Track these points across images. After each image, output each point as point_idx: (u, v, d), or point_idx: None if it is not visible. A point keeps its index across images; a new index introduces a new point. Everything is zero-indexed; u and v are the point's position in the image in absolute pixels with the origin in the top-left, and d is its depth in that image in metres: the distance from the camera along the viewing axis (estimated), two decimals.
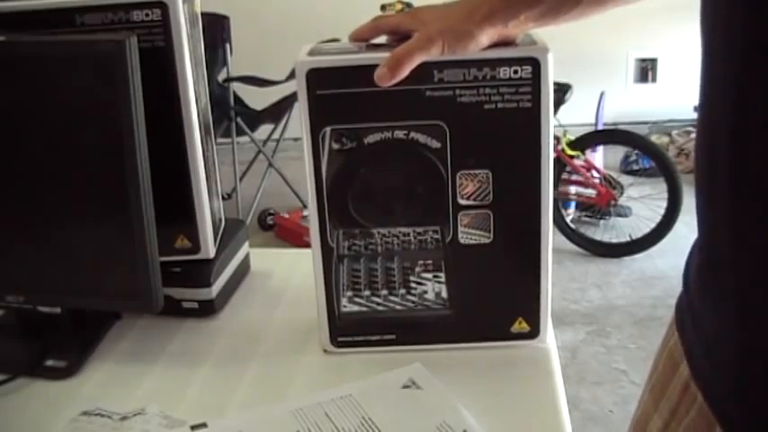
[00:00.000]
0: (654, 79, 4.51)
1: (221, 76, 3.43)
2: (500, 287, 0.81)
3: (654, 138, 3.97)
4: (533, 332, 0.83)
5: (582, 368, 2.44)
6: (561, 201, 3.29)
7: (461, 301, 0.82)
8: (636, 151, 3.69)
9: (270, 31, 4.11)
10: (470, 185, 0.77)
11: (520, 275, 0.81)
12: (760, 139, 0.47)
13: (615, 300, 2.87)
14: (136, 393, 0.80)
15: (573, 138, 3.22)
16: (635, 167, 3.86)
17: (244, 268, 1.04)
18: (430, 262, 0.80)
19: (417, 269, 0.81)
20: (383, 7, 3.37)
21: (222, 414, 0.76)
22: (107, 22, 0.83)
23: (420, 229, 0.79)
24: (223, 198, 1.09)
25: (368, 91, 0.73)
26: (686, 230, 3.06)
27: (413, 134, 0.75)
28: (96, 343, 0.88)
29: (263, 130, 3.61)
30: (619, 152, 3.92)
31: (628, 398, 2.25)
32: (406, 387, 0.77)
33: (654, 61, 4.48)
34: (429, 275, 0.81)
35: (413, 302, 0.82)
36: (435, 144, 0.75)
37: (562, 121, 3.01)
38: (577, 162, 3.25)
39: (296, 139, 3.73)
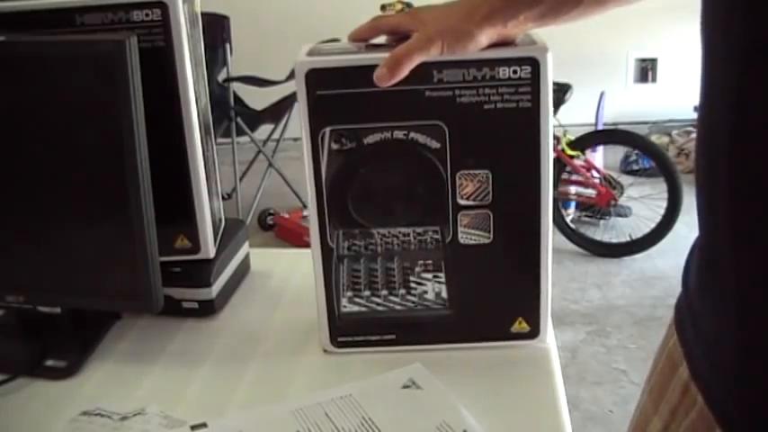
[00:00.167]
0: (654, 79, 4.51)
1: (221, 76, 3.43)
2: (500, 287, 0.81)
3: (654, 138, 3.97)
4: (533, 332, 0.83)
5: (582, 368, 2.44)
6: (561, 201, 3.29)
7: (461, 302, 0.82)
8: (636, 151, 3.69)
9: (270, 31, 4.11)
10: (470, 186, 0.77)
11: (520, 275, 0.81)
12: (760, 138, 0.47)
13: (615, 300, 2.87)
14: (136, 393, 0.80)
15: (573, 138, 3.22)
16: (635, 167, 3.86)
17: (244, 268, 1.04)
18: (430, 262, 0.80)
19: (417, 269, 0.81)
20: (383, 7, 3.37)
21: (222, 414, 0.76)
22: (107, 22, 0.83)
23: (420, 230, 0.79)
24: (223, 198, 1.09)
25: (367, 91, 0.73)
26: (686, 230, 3.06)
27: (412, 134, 0.75)
28: (96, 343, 0.88)
29: (263, 130, 3.61)
30: (619, 152, 3.92)
31: (628, 398, 2.25)
32: (406, 387, 0.77)
33: (654, 61, 4.48)
34: (429, 275, 0.81)
35: (413, 302, 0.82)
36: (435, 144, 0.75)
37: (562, 121, 3.01)
38: (577, 162, 3.25)
39: (296, 139, 3.73)
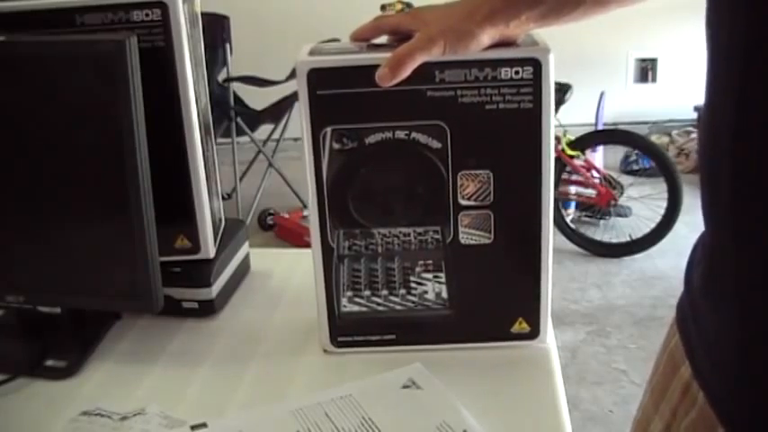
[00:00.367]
0: (654, 79, 4.51)
1: (221, 76, 3.43)
2: (500, 287, 0.81)
3: (654, 138, 3.97)
4: (533, 332, 0.83)
5: (582, 368, 2.44)
6: (561, 201, 3.29)
7: (461, 302, 0.81)
8: (636, 151, 3.69)
9: (270, 31, 4.11)
10: (471, 186, 0.77)
11: (520, 276, 0.81)
12: (761, 138, 0.47)
13: (615, 300, 2.87)
14: (136, 393, 0.80)
15: (573, 138, 3.22)
16: (635, 167, 3.86)
17: (244, 268, 1.04)
18: (430, 262, 0.80)
19: (418, 269, 0.81)
20: (383, 7, 3.37)
21: (222, 414, 0.76)
22: (107, 22, 0.83)
23: (420, 230, 0.79)
24: (223, 198, 1.09)
25: (369, 91, 0.73)
26: (686, 230, 3.06)
27: (414, 134, 0.75)
28: (96, 343, 0.88)
29: (263, 130, 3.61)
30: (619, 152, 3.92)
31: (628, 398, 2.25)
32: (406, 387, 0.77)
33: (654, 61, 4.48)
34: (429, 276, 0.81)
35: (413, 302, 0.82)
36: (436, 144, 0.75)
37: (562, 121, 3.01)
38: (577, 162, 3.25)
39: (296, 139, 3.73)
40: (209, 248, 0.93)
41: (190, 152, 0.88)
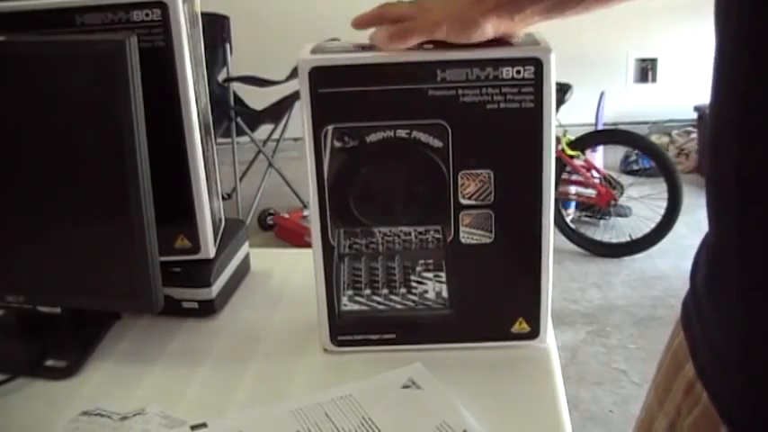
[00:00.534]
0: (654, 79, 4.51)
1: (221, 76, 3.43)
2: (501, 287, 0.81)
3: (654, 138, 3.97)
4: (533, 332, 0.83)
5: (582, 368, 2.44)
6: (561, 201, 3.29)
7: (462, 301, 0.81)
8: (636, 151, 3.69)
9: (270, 31, 4.11)
10: (472, 185, 0.77)
11: (520, 275, 0.81)
12: (766, 139, 0.47)
13: (615, 300, 2.87)
14: (136, 393, 0.80)
15: (573, 138, 3.23)
16: (635, 167, 3.86)
17: (244, 268, 1.04)
18: (431, 261, 0.80)
19: (418, 268, 0.81)
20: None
21: (222, 414, 0.76)
22: (107, 22, 0.83)
23: (421, 229, 0.79)
24: (223, 198, 1.09)
25: (370, 90, 0.73)
26: (686, 230, 3.06)
27: (415, 133, 0.75)
28: (96, 343, 0.88)
29: (263, 130, 3.61)
30: (619, 152, 3.93)
31: (628, 398, 2.25)
32: (406, 387, 0.77)
33: (654, 61, 4.48)
34: (430, 275, 0.81)
35: (413, 302, 0.82)
36: (437, 143, 0.75)
37: (562, 121, 3.02)
38: (577, 162, 3.25)
39: (296, 139, 3.73)
40: (209, 248, 0.93)
41: (190, 152, 0.88)
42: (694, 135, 4.15)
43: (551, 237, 0.79)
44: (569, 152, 3.20)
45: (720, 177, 0.53)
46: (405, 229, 0.79)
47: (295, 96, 3.11)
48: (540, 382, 0.79)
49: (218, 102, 3.29)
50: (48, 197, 0.81)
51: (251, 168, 3.62)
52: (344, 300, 0.82)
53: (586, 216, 3.42)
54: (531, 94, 0.73)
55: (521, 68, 0.72)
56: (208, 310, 0.94)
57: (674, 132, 4.27)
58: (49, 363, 0.84)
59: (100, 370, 0.84)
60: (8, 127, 0.80)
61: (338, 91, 0.74)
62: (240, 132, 3.45)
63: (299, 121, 0.75)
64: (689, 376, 0.60)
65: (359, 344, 0.84)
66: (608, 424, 2.17)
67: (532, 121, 0.74)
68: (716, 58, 0.52)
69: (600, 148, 3.53)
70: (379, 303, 0.82)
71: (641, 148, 3.35)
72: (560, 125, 3.09)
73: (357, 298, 0.82)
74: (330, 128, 0.75)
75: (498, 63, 0.72)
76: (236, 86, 3.45)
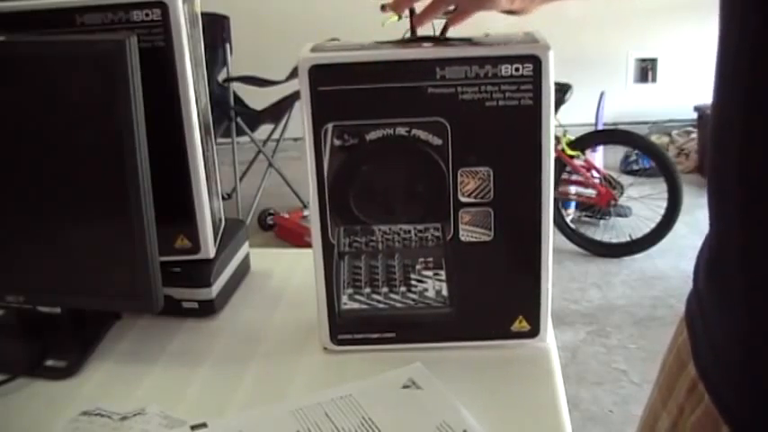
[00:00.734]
0: (654, 79, 4.51)
1: (221, 76, 3.43)
2: (500, 286, 0.81)
3: (654, 138, 3.97)
4: (533, 331, 0.83)
5: (582, 368, 2.44)
6: (561, 201, 3.29)
7: (462, 300, 0.81)
8: (636, 151, 3.69)
9: (270, 31, 4.11)
10: (471, 183, 0.77)
11: (520, 274, 0.81)
12: None
13: (615, 300, 2.87)
14: (136, 393, 0.80)
15: (573, 138, 3.22)
16: (635, 167, 3.85)
17: (244, 268, 1.04)
18: (430, 259, 0.80)
19: (418, 267, 0.81)
20: (383, 7, 3.36)
21: (222, 414, 0.76)
22: (107, 22, 0.83)
23: (421, 227, 0.79)
24: (223, 198, 1.09)
25: (370, 88, 0.73)
26: (686, 230, 3.06)
27: (414, 131, 0.75)
28: (96, 343, 0.88)
29: (263, 130, 3.61)
30: (619, 152, 3.92)
31: (628, 398, 2.25)
32: (406, 387, 0.77)
33: (654, 61, 4.48)
34: (430, 273, 0.81)
35: (413, 300, 0.82)
36: (437, 141, 0.75)
37: (562, 121, 3.01)
38: (577, 162, 3.25)
39: (296, 139, 3.73)
40: (209, 248, 0.93)
41: (190, 152, 0.88)
42: (694, 135, 4.15)
43: (551, 233, 0.79)
44: (569, 152, 3.20)
45: (722, 177, 0.53)
46: (404, 227, 0.79)
47: (295, 96, 3.11)
48: (540, 382, 0.79)
49: (218, 102, 3.29)
50: (48, 197, 0.81)
51: (251, 168, 3.62)
52: (344, 298, 0.82)
53: (586, 216, 3.42)
54: (530, 92, 0.73)
55: (519, 66, 0.72)
56: (208, 310, 0.94)
57: (674, 132, 4.27)
58: (49, 363, 0.84)
59: (100, 370, 0.84)
60: (8, 127, 0.80)
61: (338, 89, 0.74)
62: (240, 132, 3.45)
63: (299, 120, 0.76)
64: (692, 374, 0.59)
65: (359, 342, 0.84)
66: (608, 424, 2.17)
67: (531, 118, 0.74)
68: (718, 58, 0.52)
69: (600, 148, 3.53)
70: (378, 302, 0.82)
71: (641, 148, 3.34)
72: (560, 125, 3.08)
73: (357, 296, 0.82)
74: (330, 126, 0.75)
75: (497, 61, 0.72)
76: (236, 86, 3.45)
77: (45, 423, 0.75)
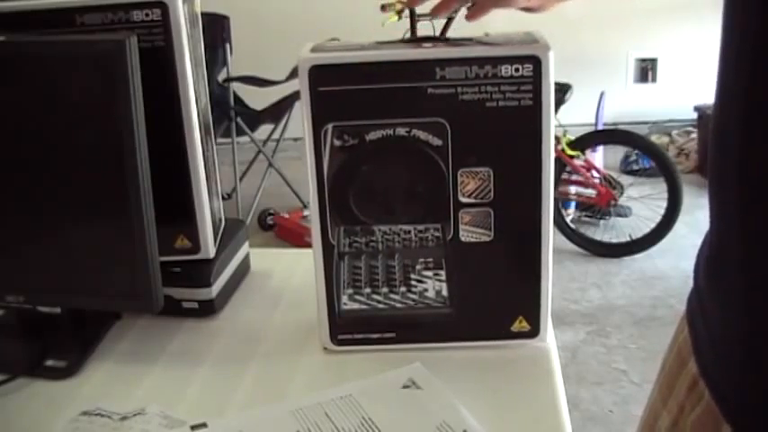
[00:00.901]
0: (654, 79, 4.51)
1: (221, 76, 3.43)
2: (500, 286, 0.81)
3: (654, 138, 3.97)
4: (533, 331, 0.83)
5: (582, 368, 2.44)
6: (561, 201, 3.29)
7: (462, 300, 0.81)
8: (636, 151, 3.69)
9: (270, 31, 4.11)
10: (471, 183, 0.77)
11: (520, 274, 0.81)
12: None
13: (615, 300, 2.87)
14: (136, 393, 0.80)
15: (573, 138, 3.22)
16: (635, 167, 3.85)
17: (244, 268, 1.04)
18: (431, 260, 0.80)
19: (418, 267, 0.81)
20: (383, 7, 3.36)
21: (222, 414, 0.76)
22: (107, 22, 0.83)
23: (421, 227, 0.79)
24: (223, 198, 1.09)
25: (370, 88, 0.73)
26: (686, 230, 3.06)
27: (414, 131, 0.75)
28: (96, 343, 0.88)
29: (263, 130, 3.61)
30: (619, 152, 3.92)
31: (628, 398, 2.25)
32: (406, 387, 0.77)
33: (654, 61, 4.48)
34: (430, 273, 0.81)
35: (413, 300, 0.82)
36: (437, 141, 0.75)
37: (562, 121, 3.01)
38: (577, 162, 3.25)
39: (296, 139, 3.73)
40: (209, 248, 0.93)
41: (190, 152, 0.88)
42: (694, 135, 4.15)
43: (551, 233, 0.79)
44: (569, 152, 3.20)
45: (722, 177, 0.53)
46: (404, 227, 0.79)
47: (295, 96, 3.11)
48: (540, 382, 0.79)
49: (218, 102, 3.29)
50: (48, 197, 0.81)
51: (251, 168, 3.62)
52: (344, 298, 0.82)
53: (586, 216, 3.42)
54: (530, 92, 0.73)
55: (519, 66, 0.72)
56: (208, 310, 0.94)
57: (674, 132, 4.27)
58: (49, 363, 0.84)
59: (100, 370, 0.84)
60: (8, 127, 0.80)
61: (338, 89, 0.74)
62: (240, 132, 3.45)
63: (299, 121, 0.76)
64: (692, 373, 0.60)
65: (359, 343, 0.84)
66: (608, 424, 2.17)
67: (531, 118, 0.74)
68: (720, 57, 0.52)
69: (600, 148, 3.53)
70: (378, 302, 0.82)
71: (641, 148, 3.35)
72: (560, 125, 3.08)
73: (357, 297, 0.82)
74: (330, 126, 0.75)
75: (497, 61, 0.72)
76: (236, 86, 3.45)
77: (45, 423, 0.75)
